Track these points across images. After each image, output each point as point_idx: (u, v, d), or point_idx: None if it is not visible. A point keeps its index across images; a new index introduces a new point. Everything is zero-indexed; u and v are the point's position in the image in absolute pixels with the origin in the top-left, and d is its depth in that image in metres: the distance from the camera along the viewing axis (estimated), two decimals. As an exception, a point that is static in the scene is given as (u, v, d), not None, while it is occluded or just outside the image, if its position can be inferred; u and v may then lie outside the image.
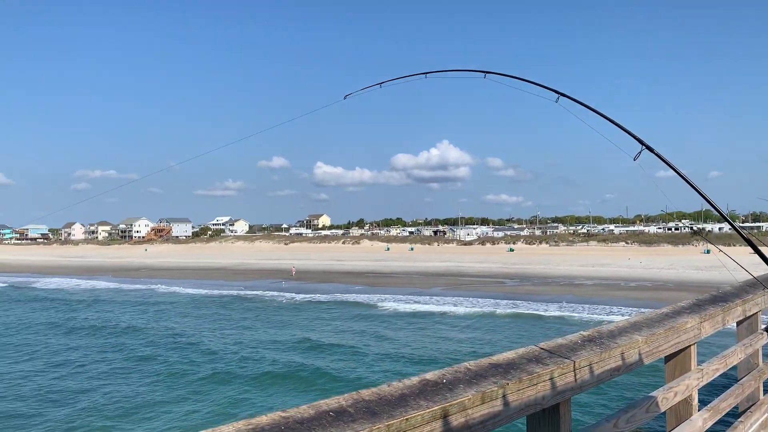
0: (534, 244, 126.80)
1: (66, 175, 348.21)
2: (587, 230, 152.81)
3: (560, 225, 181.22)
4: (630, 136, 3.77)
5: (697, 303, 4.63)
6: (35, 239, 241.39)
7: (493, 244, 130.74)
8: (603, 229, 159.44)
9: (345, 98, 7.55)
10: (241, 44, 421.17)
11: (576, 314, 42.79)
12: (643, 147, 3.70)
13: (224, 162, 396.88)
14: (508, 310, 45.29)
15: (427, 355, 30.25)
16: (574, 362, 2.79)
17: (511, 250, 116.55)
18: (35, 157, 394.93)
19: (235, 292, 63.22)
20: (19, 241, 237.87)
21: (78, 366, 29.57)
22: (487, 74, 5.64)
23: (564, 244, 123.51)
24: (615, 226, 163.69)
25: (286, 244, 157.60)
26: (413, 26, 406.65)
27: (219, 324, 42.03)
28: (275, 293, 61.35)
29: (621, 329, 3.61)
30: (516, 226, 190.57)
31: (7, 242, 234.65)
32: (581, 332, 3.36)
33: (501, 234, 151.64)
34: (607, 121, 4.05)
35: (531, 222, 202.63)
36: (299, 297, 57.69)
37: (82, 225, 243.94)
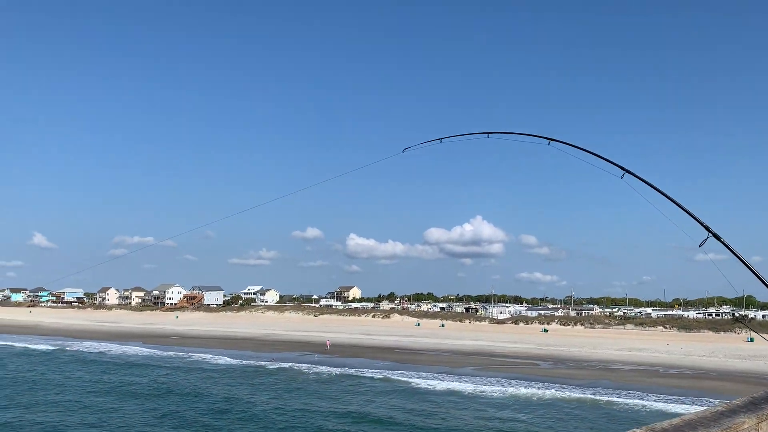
0: (569, 325, 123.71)
1: (105, 240, 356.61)
2: (623, 313, 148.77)
3: (596, 306, 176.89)
4: (695, 221, 3.74)
5: (752, 401, 4.46)
6: (70, 302, 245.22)
7: (527, 323, 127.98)
8: (640, 312, 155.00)
9: (404, 151, 7.65)
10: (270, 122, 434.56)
11: (614, 398, 41.09)
12: (710, 234, 3.67)
13: (259, 231, 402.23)
14: (545, 393, 43.79)
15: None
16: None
17: (545, 330, 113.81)
18: (75, 223, 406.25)
19: (263, 363, 62.71)
20: (55, 304, 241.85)
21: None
22: (551, 141, 5.55)
23: (600, 326, 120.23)
24: (652, 310, 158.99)
25: (315, 315, 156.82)
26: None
27: (261, 395, 41.57)
28: (304, 365, 60.66)
29: (675, 428, 3.49)
30: (550, 306, 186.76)
31: (43, 305, 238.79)
32: (635, 429, 3.27)
33: (535, 314, 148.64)
34: (669, 202, 4.02)
35: (565, 302, 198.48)
36: (332, 370, 56.88)
37: (117, 290, 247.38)
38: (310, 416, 34.59)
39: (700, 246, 3.65)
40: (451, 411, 36.92)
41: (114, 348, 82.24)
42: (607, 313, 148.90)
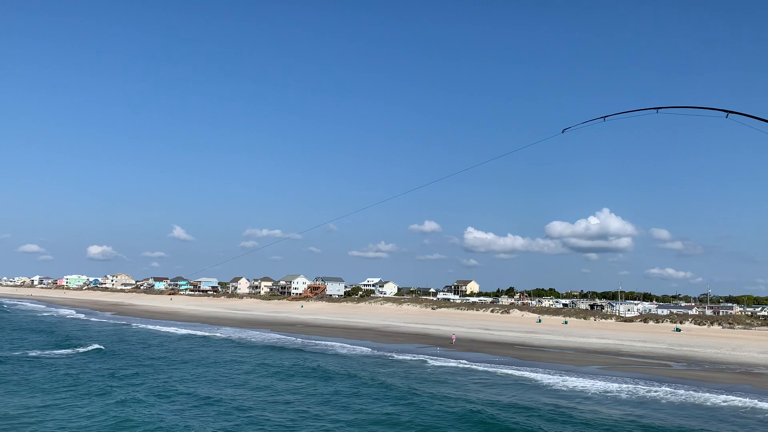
0: (704, 324, 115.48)
1: (237, 232, 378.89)
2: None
3: (735, 305, 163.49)
4: None
5: None
6: (206, 291, 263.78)
7: (657, 322, 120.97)
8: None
9: (563, 132, 7.51)
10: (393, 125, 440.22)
11: (758, 404, 38.10)
12: None
13: (378, 225, 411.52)
14: (676, 398, 41.48)
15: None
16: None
17: (678, 330, 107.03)
18: (211, 216, 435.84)
19: (387, 354, 64.27)
20: (193, 292, 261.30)
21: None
22: (730, 114, 5.07)
23: (740, 326, 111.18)
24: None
25: (433, 308, 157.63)
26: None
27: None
28: (428, 357, 61.45)
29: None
30: (683, 304, 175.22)
31: (182, 293, 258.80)
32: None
33: (666, 312, 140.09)
34: None
35: (700, 300, 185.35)
36: (457, 363, 57.24)
37: (247, 280, 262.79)
38: (449, 403, 35.27)
39: None
40: (580, 408, 35.98)
41: (256, 335, 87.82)
42: (749, 313, 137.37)
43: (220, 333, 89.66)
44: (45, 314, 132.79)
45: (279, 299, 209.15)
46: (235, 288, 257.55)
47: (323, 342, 78.28)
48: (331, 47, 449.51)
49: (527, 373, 51.77)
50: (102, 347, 63.70)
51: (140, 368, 49.14)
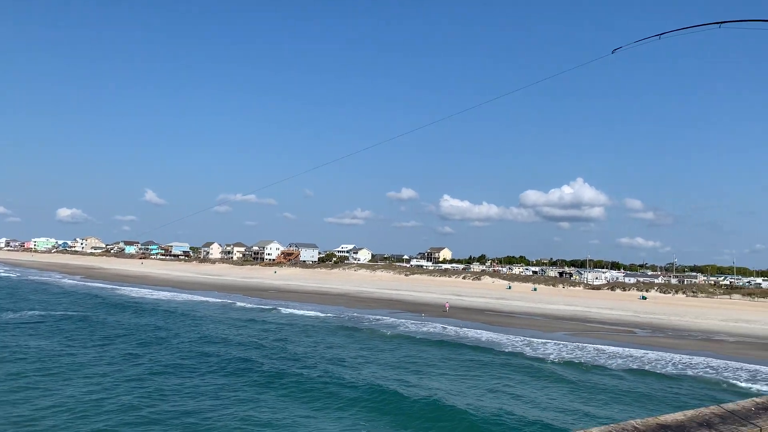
0: (669, 293, 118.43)
1: (211, 198, 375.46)
2: (730, 282, 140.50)
3: (699, 275, 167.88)
4: None
5: None
6: (177, 256, 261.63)
7: (624, 290, 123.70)
8: (749, 282, 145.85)
9: (613, 52, 7.08)
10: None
11: (716, 374, 39.26)
12: None
13: (355, 192, 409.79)
14: (637, 363, 42.51)
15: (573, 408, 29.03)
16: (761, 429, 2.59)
17: (644, 298, 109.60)
18: (184, 181, 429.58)
19: (362, 316, 64.61)
20: (164, 257, 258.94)
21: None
22: None
23: (703, 295, 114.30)
24: (763, 280, 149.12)
25: (406, 275, 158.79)
26: None
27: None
28: (394, 320, 61.92)
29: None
30: (650, 273, 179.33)
31: (153, 257, 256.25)
32: (754, 399, 3.12)
33: (633, 280, 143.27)
34: None
35: (667, 269, 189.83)
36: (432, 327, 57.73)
37: (220, 245, 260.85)
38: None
39: None
40: (543, 370, 36.65)
41: (226, 301, 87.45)
42: (712, 282, 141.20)
43: (186, 296, 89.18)
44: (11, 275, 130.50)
45: (252, 265, 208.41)
46: (207, 253, 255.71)
47: (296, 310, 78.35)
48: None
49: (494, 337, 52.55)
50: (73, 313, 62.80)
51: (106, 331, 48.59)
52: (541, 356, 43.79)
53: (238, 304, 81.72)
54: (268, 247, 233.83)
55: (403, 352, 43.66)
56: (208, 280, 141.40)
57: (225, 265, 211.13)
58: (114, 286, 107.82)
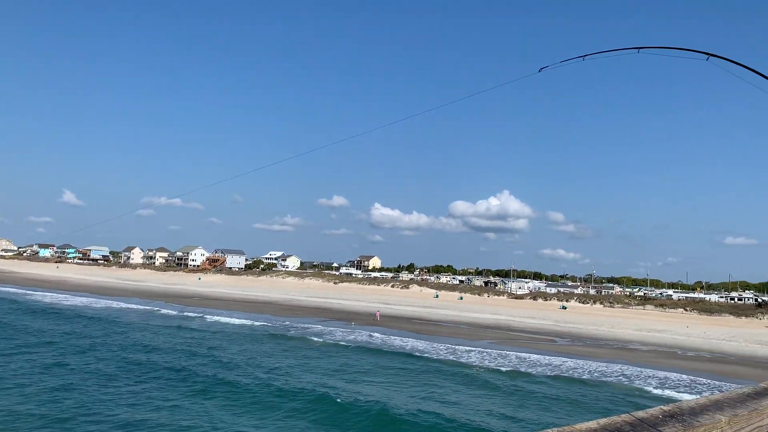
0: (588, 303, 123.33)
1: (134, 200, 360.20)
2: (644, 293, 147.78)
3: (616, 286, 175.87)
4: None
5: (780, 385, 4.44)
6: (96, 260, 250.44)
7: (545, 300, 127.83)
8: (661, 293, 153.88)
9: (540, 71, 7.26)
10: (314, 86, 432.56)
11: (630, 382, 41.12)
12: None
13: (286, 198, 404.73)
14: (555, 371, 43.95)
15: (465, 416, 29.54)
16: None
17: (564, 308, 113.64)
18: (106, 183, 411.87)
19: (286, 325, 63.73)
20: (82, 261, 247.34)
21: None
22: (710, 57, 5.02)
23: (619, 306, 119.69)
24: (674, 292, 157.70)
25: (335, 283, 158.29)
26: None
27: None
28: (320, 328, 61.53)
29: (702, 407, 3.50)
30: (570, 284, 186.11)
31: (70, 261, 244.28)
32: (661, 406, 3.28)
33: (554, 290, 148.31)
34: None
35: (586, 280, 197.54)
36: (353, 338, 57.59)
37: (142, 250, 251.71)
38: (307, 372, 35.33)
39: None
40: (469, 376, 37.30)
41: (148, 308, 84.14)
42: (628, 293, 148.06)
43: (106, 303, 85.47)
44: None
45: (175, 271, 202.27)
46: (128, 258, 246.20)
47: (219, 317, 76.53)
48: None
49: (422, 345, 53.10)
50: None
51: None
52: (468, 363, 44.59)
53: (162, 311, 79.10)
54: (193, 252, 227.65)
55: (337, 360, 43.47)
56: (129, 286, 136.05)
57: (146, 270, 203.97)
58: (27, 291, 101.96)
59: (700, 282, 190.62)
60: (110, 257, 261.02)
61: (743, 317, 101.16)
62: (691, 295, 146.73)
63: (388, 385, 34.92)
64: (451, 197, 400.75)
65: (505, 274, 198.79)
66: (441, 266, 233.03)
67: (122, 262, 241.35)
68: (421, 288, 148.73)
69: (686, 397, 33.87)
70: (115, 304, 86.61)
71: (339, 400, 29.57)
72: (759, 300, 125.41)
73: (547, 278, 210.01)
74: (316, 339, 55.31)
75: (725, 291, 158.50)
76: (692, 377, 44.39)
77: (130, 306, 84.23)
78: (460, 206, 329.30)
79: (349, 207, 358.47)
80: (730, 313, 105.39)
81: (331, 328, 65.58)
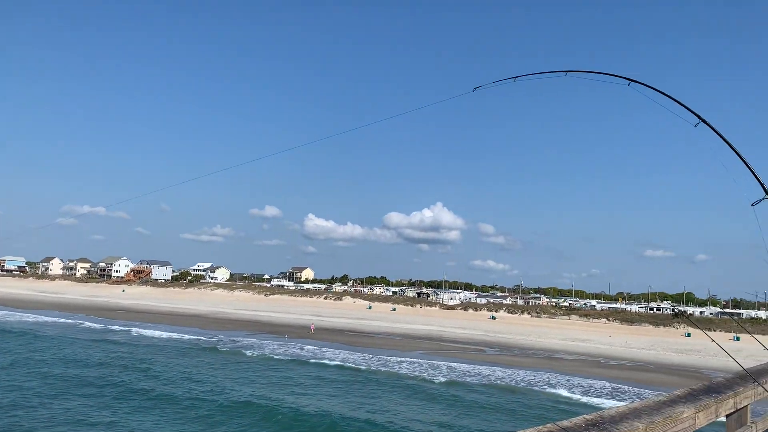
0: (516, 313, 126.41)
1: (53, 209, 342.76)
2: (569, 304, 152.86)
3: (543, 296, 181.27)
4: (755, 179, 3.79)
5: (692, 392, 4.71)
6: (11, 271, 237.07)
7: (476, 310, 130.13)
8: (585, 304, 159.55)
9: (474, 90, 7.36)
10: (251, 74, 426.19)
11: (556, 390, 42.37)
12: (767, 196, 3.76)
13: (216, 208, 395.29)
14: (484, 380, 44.79)
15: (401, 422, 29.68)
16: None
17: (494, 318, 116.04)
18: (23, 188, 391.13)
19: (213, 339, 62.13)
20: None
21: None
22: (631, 83, 5.34)
23: (546, 316, 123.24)
24: (597, 302, 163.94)
25: (266, 295, 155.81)
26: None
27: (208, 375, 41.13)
28: (254, 341, 60.39)
29: (622, 415, 3.67)
30: (499, 294, 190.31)
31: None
32: (584, 416, 3.42)
33: (484, 301, 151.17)
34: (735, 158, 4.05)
35: (514, 291, 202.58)
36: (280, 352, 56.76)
37: (62, 260, 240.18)
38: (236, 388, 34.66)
39: (752, 205, 3.72)
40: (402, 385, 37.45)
41: (68, 322, 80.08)
42: (554, 304, 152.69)
43: (21, 316, 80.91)
44: None
45: (97, 282, 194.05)
46: (47, 269, 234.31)
47: (144, 330, 73.86)
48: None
49: (355, 357, 52.96)
50: None
51: None
52: (405, 374, 44.78)
53: (85, 324, 75.57)
54: (117, 263, 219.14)
55: (275, 373, 42.74)
56: (47, 298, 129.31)
57: (66, 282, 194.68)
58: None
59: (621, 293, 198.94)
60: (27, 268, 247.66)
61: (662, 327, 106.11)
62: (614, 305, 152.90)
63: (332, 398, 34.64)
64: (385, 209, 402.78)
65: (437, 285, 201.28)
66: (375, 278, 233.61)
67: (40, 273, 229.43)
68: (355, 300, 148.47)
69: (608, 404, 35.27)
70: (32, 317, 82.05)
71: (290, 414, 29.11)
72: (675, 310, 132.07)
73: (477, 289, 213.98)
74: (249, 353, 54.24)
75: (645, 302, 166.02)
76: (614, 385, 46.19)
77: (48, 320, 79.98)
78: (395, 218, 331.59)
79: (282, 217, 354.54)
80: (650, 323, 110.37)
81: (264, 341, 64.50)
